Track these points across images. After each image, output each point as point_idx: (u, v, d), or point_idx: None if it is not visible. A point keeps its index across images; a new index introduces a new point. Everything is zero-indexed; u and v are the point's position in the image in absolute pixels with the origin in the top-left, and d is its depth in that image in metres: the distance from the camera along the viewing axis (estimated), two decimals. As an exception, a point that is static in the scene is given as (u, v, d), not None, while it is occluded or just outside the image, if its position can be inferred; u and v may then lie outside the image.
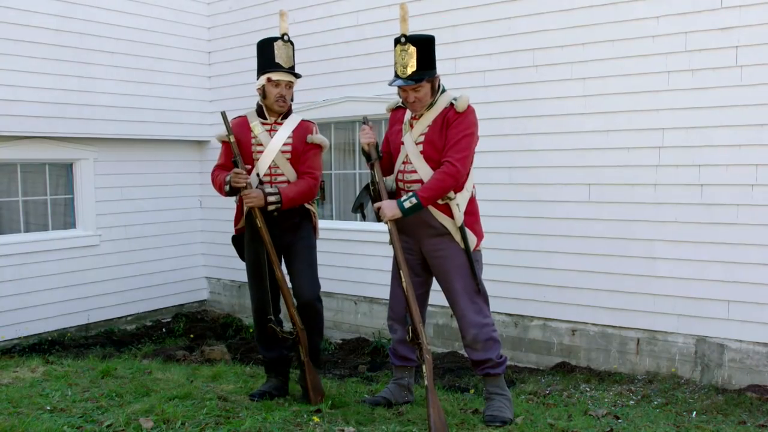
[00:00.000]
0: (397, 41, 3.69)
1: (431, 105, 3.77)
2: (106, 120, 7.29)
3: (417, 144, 3.78)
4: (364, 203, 3.95)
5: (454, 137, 3.68)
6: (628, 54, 5.41)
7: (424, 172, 3.73)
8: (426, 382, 3.52)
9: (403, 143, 3.84)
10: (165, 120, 7.91)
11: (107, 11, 7.28)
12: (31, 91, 6.66)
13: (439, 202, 3.69)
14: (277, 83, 3.98)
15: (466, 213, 3.75)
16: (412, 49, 3.64)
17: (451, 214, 3.70)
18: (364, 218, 4.22)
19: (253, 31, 7.77)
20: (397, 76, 3.71)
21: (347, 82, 7.04)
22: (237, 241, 4.19)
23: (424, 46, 3.68)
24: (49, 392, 4.08)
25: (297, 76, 4.06)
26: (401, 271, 3.68)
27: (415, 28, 6.36)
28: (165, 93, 7.90)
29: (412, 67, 3.65)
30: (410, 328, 3.62)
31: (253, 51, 8.31)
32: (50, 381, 4.44)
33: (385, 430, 3.51)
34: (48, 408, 3.69)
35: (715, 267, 5.16)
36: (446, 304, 3.87)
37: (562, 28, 5.71)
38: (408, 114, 3.88)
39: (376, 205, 3.73)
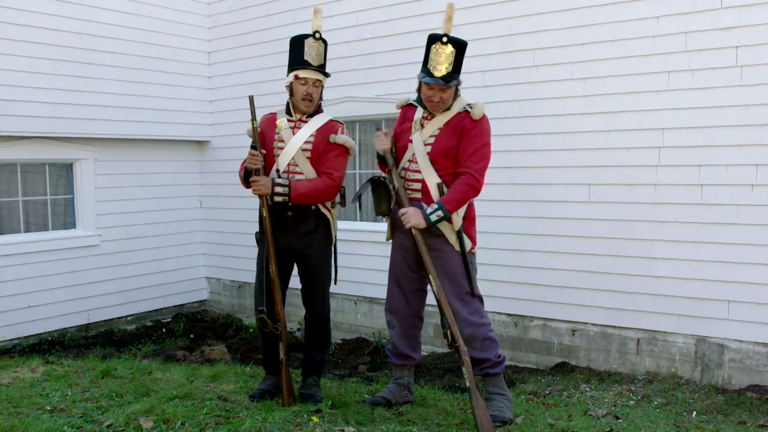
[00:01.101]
0: (436, 39, 3.64)
1: (447, 108, 3.76)
2: (106, 120, 7.29)
3: (426, 145, 3.76)
4: (363, 194, 3.92)
5: (472, 146, 3.68)
6: (629, 54, 5.41)
7: (428, 172, 3.73)
8: (467, 384, 3.49)
9: (411, 141, 3.82)
10: (165, 120, 7.91)
11: (107, 11, 7.28)
12: (30, 91, 6.67)
13: None
14: (304, 81, 3.91)
15: (464, 218, 3.75)
16: (451, 51, 3.61)
17: (449, 219, 3.70)
18: (360, 207, 4.17)
19: (253, 31, 7.78)
20: (428, 73, 3.65)
21: (347, 82, 7.03)
22: (259, 238, 4.13)
23: (462, 49, 3.66)
24: (49, 392, 4.08)
25: (326, 75, 4.00)
26: (430, 276, 3.63)
27: (414, 27, 6.42)
28: (165, 93, 7.90)
29: (448, 68, 3.61)
30: (447, 331, 3.57)
31: (253, 51, 8.35)
32: (50, 381, 4.44)
33: (385, 430, 3.50)
34: (48, 408, 3.68)
35: (715, 267, 5.16)
36: (446, 303, 3.86)
37: (562, 28, 5.71)
38: (418, 113, 3.84)
39: (402, 211, 3.69)
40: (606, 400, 4.76)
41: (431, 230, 3.70)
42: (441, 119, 3.76)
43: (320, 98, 4.05)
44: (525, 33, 5.91)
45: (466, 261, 3.74)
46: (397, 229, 3.91)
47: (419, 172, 3.76)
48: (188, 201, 8.47)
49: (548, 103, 5.83)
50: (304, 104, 3.95)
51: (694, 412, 4.48)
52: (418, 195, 3.77)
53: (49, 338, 6.92)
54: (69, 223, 7.39)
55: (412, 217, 3.63)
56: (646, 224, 5.43)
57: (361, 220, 7.07)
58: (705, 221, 5.19)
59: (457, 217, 3.70)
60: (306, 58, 3.91)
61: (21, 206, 6.98)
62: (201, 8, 8.27)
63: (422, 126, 3.81)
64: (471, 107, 3.74)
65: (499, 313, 6.09)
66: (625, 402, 4.72)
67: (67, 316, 7.18)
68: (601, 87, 5.56)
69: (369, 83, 6.85)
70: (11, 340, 6.70)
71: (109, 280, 7.53)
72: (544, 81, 5.84)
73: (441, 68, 3.61)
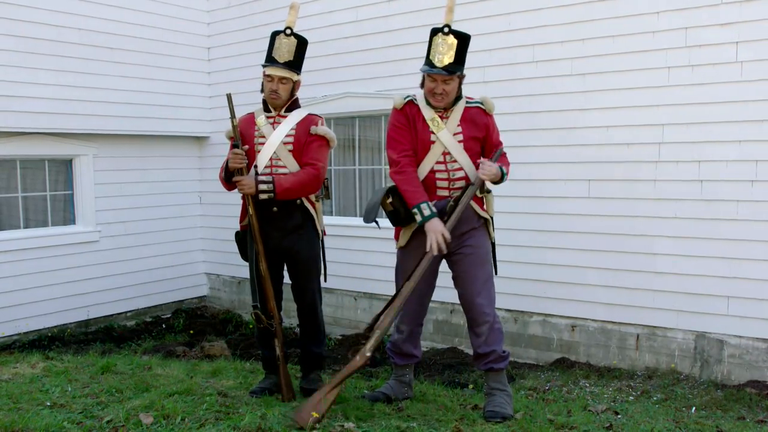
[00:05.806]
0: (438, 30, 3.60)
1: (456, 102, 3.73)
2: (105, 116, 7.28)
3: (459, 142, 3.70)
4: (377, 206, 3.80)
5: (496, 135, 3.84)
6: (628, 50, 5.40)
7: (468, 165, 3.70)
8: (338, 376, 3.55)
9: (434, 141, 3.69)
10: (164, 116, 7.90)
11: (107, 7, 7.27)
12: (30, 87, 6.65)
13: (478, 194, 3.74)
14: (270, 78, 3.89)
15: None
16: (453, 41, 3.56)
17: (483, 207, 3.78)
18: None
19: (253, 26, 7.77)
20: (430, 64, 3.59)
21: (347, 78, 7.02)
22: (239, 237, 4.15)
23: (464, 41, 3.62)
24: (49, 388, 4.08)
25: (295, 71, 3.91)
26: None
27: (413, 23, 6.41)
28: (164, 89, 7.89)
29: (450, 58, 3.55)
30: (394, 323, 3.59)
31: (253, 47, 8.34)
32: (50, 377, 4.44)
33: (384, 425, 3.50)
34: (48, 404, 3.69)
35: (714, 263, 5.16)
36: (446, 299, 3.88)
37: (561, 24, 5.70)
38: (426, 111, 3.72)
39: (482, 160, 3.63)
40: (605, 395, 4.77)
41: (472, 224, 3.73)
42: (456, 114, 3.72)
43: (292, 95, 4.01)
44: (524, 29, 5.90)
45: (494, 245, 3.83)
46: (421, 233, 3.73)
47: (461, 169, 3.71)
48: (188, 197, 8.46)
49: (548, 99, 5.82)
50: (270, 99, 3.95)
51: (694, 408, 4.48)
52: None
53: (49, 334, 6.93)
54: (68, 219, 7.38)
55: (490, 167, 3.59)
56: (645, 220, 5.43)
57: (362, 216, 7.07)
58: (705, 217, 5.19)
59: (492, 203, 3.82)
60: (274, 54, 3.88)
61: (20, 202, 6.97)
62: (201, 4, 8.25)
63: (442, 123, 3.71)
64: (482, 104, 3.79)
65: (498, 309, 6.05)
66: (624, 397, 4.73)
67: (67, 312, 7.18)
68: (600, 83, 5.56)
69: (369, 79, 6.84)
70: (11, 336, 6.70)
71: (108, 276, 7.53)
72: (544, 77, 5.83)
73: (443, 59, 3.55)
